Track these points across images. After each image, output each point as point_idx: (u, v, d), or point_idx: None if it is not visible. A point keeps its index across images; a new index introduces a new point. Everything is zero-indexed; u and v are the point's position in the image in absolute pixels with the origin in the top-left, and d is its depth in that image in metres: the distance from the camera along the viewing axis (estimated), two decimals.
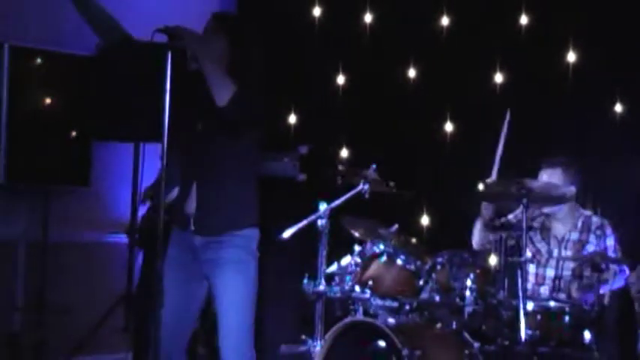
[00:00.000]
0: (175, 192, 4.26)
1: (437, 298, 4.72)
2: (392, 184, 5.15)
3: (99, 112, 6.07)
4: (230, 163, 4.07)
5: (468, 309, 4.59)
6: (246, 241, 4.09)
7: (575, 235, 5.06)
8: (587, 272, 4.89)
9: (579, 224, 5.07)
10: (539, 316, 4.54)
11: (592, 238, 5.03)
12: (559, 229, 5.11)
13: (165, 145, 3.79)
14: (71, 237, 6.26)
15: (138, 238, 5.81)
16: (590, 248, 4.99)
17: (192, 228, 4.08)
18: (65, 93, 6.10)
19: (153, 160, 4.98)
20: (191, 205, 4.09)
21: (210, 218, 4.07)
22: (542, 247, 5.11)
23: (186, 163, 4.18)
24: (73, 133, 6.13)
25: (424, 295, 4.77)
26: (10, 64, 5.86)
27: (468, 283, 4.63)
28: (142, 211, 5.90)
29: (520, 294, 4.40)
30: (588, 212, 5.13)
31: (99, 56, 6.10)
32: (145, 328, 4.14)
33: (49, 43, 6.10)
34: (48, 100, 6.03)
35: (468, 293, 4.61)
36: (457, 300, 4.64)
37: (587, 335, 4.50)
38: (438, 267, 4.79)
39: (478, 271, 4.69)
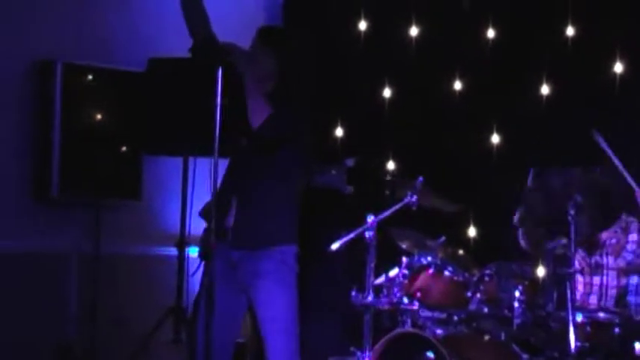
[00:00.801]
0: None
1: (485, 310, 4.73)
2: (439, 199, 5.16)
3: (149, 127, 6.16)
4: (270, 180, 4.12)
5: (517, 320, 4.59)
6: (282, 255, 4.14)
7: (613, 239, 5.03)
8: (633, 280, 4.87)
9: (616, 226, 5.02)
10: (588, 328, 4.53)
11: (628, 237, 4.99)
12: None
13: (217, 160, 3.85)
14: (122, 249, 6.34)
15: (200, 250, 5.85)
16: (630, 247, 4.96)
17: (230, 241, 4.13)
18: (116, 108, 6.19)
19: (204, 173, 5.04)
20: (230, 219, 4.14)
21: (246, 232, 4.13)
22: (586, 255, 5.09)
23: (229, 177, 4.23)
24: (124, 148, 6.22)
25: (472, 307, 4.78)
26: (62, 81, 5.98)
27: (517, 294, 4.63)
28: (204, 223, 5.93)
29: (569, 305, 4.39)
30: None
31: (149, 72, 6.20)
32: (194, 339, 4.20)
33: (101, 60, 6.21)
34: (99, 116, 6.13)
35: (516, 304, 4.61)
36: (505, 311, 4.65)
37: (637, 347, 4.48)
38: (486, 278, 4.81)
39: (526, 282, 4.70)
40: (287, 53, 4.18)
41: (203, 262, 5.91)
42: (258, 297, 4.11)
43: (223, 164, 4.24)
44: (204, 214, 5.86)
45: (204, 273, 5.89)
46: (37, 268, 6.04)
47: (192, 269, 5.98)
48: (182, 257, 6.16)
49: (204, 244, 5.78)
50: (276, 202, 4.14)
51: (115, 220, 6.22)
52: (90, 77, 6.13)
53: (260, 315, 4.11)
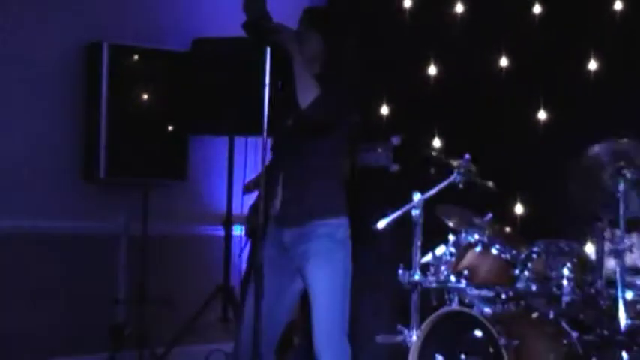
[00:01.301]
0: None
1: (533, 287, 4.71)
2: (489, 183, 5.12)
3: (195, 107, 6.19)
4: (316, 159, 4.12)
5: (566, 298, 4.56)
6: (331, 230, 4.13)
7: None
8: None
9: None
10: (638, 306, 4.49)
11: None
12: None
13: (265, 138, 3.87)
14: (170, 230, 6.39)
15: (246, 229, 5.88)
16: None
17: (279, 223, 4.15)
18: (162, 89, 6.22)
19: (252, 153, 5.11)
20: (276, 200, 4.15)
21: (293, 209, 4.13)
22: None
23: (275, 157, 4.25)
24: (170, 128, 6.25)
25: (520, 285, 4.75)
26: (109, 62, 6.02)
27: (565, 272, 4.60)
28: (251, 201, 5.96)
29: (619, 283, 4.36)
30: None
31: (194, 52, 6.23)
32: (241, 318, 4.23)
33: (146, 41, 6.24)
34: (145, 97, 6.16)
35: (565, 282, 4.58)
36: (554, 289, 4.62)
37: None
38: (534, 256, 4.78)
39: (575, 259, 4.66)
40: (333, 34, 4.17)
41: (250, 241, 5.97)
42: (309, 277, 4.12)
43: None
44: (247, 189, 5.90)
45: (251, 251, 5.95)
46: (86, 249, 6.11)
47: (239, 248, 6.06)
48: (229, 236, 6.21)
49: (250, 222, 5.82)
50: (322, 179, 4.15)
51: (162, 201, 6.26)
52: (136, 58, 6.17)
53: (311, 294, 4.13)
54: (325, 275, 4.11)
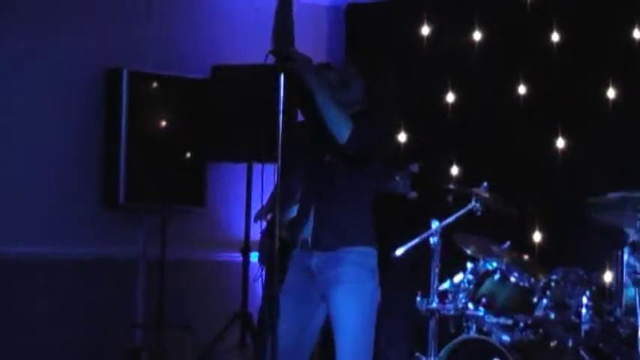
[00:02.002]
0: (295, 210, 4.33)
1: (552, 316, 4.69)
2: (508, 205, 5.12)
3: (213, 134, 6.22)
4: (352, 192, 4.12)
5: (585, 326, 4.54)
6: (363, 258, 4.10)
7: None
8: None
9: None
10: None
11: None
12: None
13: (280, 166, 3.87)
14: (188, 255, 6.40)
15: (260, 256, 5.87)
16: None
17: (309, 247, 4.13)
18: (181, 115, 6.26)
19: (270, 179, 5.07)
20: (309, 228, 4.14)
21: (326, 235, 4.11)
22: None
23: (309, 189, 4.23)
24: (189, 155, 6.28)
25: (539, 313, 4.74)
26: (128, 89, 6.06)
27: (584, 300, 4.59)
28: (262, 227, 5.97)
29: (638, 311, 4.33)
30: None
31: (213, 78, 6.26)
32: (261, 346, 4.21)
33: (166, 67, 6.28)
34: (164, 123, 6.20)
35: (584, 310, 4.57)
36: (573, 317, 4.60)
37: None
38: (553, 284, 4.77)
39: (594, 288, 4.65)
40: (376, 80, 4.20)
41: (264, 268, 5.97)
42: (337, 304, 4.07)
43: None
44: (259, 216, 5.88)
45: (267, 279, 5.93)
46: (104, 273, 6.14)
47: (256, 275, 6.05)
48: (247, 262, 6.21)
49: (263, 249, 5.81)
50: (355, 209, 4.14)
51: (180, 227, 6.28)
52: (155, 84, 6.21)
53: (336, 323, 4.09)
54: (353, 303, 4.06)
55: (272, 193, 5.68)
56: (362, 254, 4.09)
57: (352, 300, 4.05)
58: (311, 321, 4.15)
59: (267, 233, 5.89)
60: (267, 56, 3.95)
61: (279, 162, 3.92)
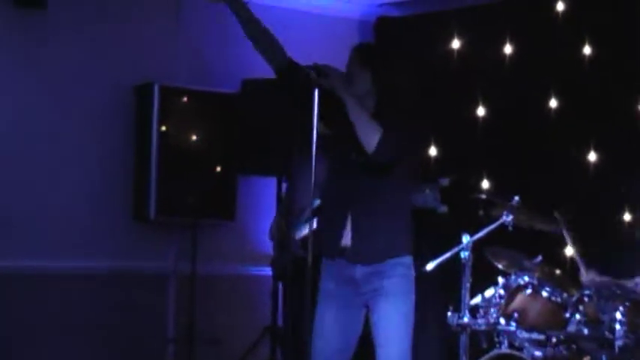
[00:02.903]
0: (306, 227, 4.29)
1: (585, 331, 4.64)
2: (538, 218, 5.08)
3: (243, 148, 6.23)
4: (384, 193, 4.11)
5: (619, 342, 4.49)
6: (408, 270, 4.13)
7: None
8: None
9: None
10: None
11: None
12: None
13: (315, 180, 3.87)
14: (218, 270, 6.42)
15: (273, 270, 5.85)
16: None
17: (351, 259, 4.12)
18: (211, 129, 6.29)
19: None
20: (347, 236, 4.13)
21: (368, 246, 4.11)
22: None
23: (340, 194, 4.21)
24: (219, 169, 6.30)
25: (571, 328, 4.69)
26: (159, 103, 6.09)
27: (618, 315, 4.53)
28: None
29: None
30: None
31: (243, 93, 6.28)
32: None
33: (196, 82, 6.31)
34: (195, 137, 6.22)
35: (617, 326, 4.52)
36: (606, 333, 4.55)
37: None
38: (586, 299, 4.72)
39: (628, 303, 4.59)
40: (384, 70, 4.16)
41: (280, 282, 5.95)
42: (381, 315, 4.09)
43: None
44: (274, 235, 5.86)
45: (286, 293, 5.93)
46: (135, 288, 6.16)
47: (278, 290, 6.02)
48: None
49: (277, 264, 5.79)
50: (391, 213, 4.13)
51: (210, 241, 6.30)
52: (186, 99, 6.24)
53: (381, 334, 4.10)
54: (399, 318, 4.09)
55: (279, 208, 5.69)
56: (406, 266, 4.12)
57: (400, 311, 4.09)
58: (351, 328, 4.16)
59: (278, 248, 5.85)
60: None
61: (314, 175, 3.92)
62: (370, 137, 3.94)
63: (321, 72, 3.99)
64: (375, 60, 4.18)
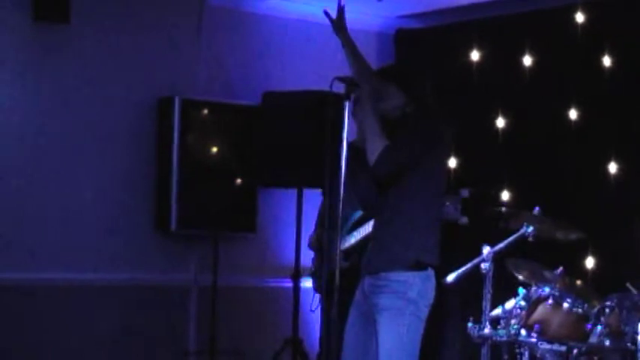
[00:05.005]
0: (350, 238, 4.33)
1: (607, 343, 4.62)
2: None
3: (264, 160, 6.25)
4: (397, 201, 4.13)
5: None
6: (403, 287, 4.11)
7: None
8: None
9: None
10: None
11: None
12: None
13: (342, 195, 3.90)
14: (239, 281, 6.44)
15: (314, 282, 5.86)
16: None
17: (363, 269, 4.18)
18: (232, 142, 6.32)
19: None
20: (369, 249, 4.20)
21: (373, 256, 4.15)
22: None
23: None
24: (240, 181, 6.32)
25: (593, 340, 4.68)
26: (180, 116, 6.13)
27: None
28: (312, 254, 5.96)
29: None
30: None
31: (264, 105, 6.31)
32: None
33: (217, 95, 6.35)
34: (216, 149, 6.25)
35: None
36: (629, 345, 4.54)
37: None
38: (607, 310, 4.70)
39: None
40: (415, 89, 4.21)
41: (319, 294, 5.95)
42: (378, 330, 4.12)
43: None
44: (313, 244, 5.87)
45: (322, 305, 5.92)
46: (157, 300, 6.18)
47: (306, 301, 6.03)
48: (297, 289, 6.22)
49: (315, 274, 5.79)
50: (405, 223, 4.14)
51: (231, 253, 6.32)
52: (206, 111, 6.27)
53: (378, 346, 4.12)
54: (390, 334, 4.09)
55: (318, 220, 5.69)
56: (401, 283, 4.10)
57: (388, 330, 4.11)
58: (370, 340, 4.18)
59: (319, 260, 5.87)
60: (332, 83, 4.00)
61: (342, 188, 3.96)
62: (373, 150, 4.01)
63: (353, 82, 4.04)
64: (404, 79, 4.23)
